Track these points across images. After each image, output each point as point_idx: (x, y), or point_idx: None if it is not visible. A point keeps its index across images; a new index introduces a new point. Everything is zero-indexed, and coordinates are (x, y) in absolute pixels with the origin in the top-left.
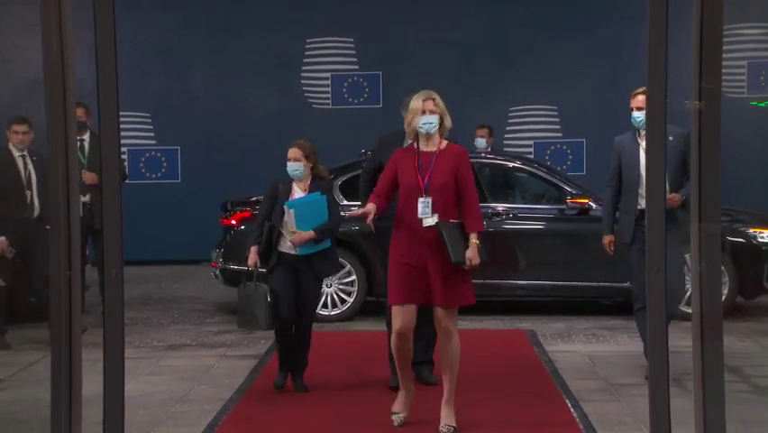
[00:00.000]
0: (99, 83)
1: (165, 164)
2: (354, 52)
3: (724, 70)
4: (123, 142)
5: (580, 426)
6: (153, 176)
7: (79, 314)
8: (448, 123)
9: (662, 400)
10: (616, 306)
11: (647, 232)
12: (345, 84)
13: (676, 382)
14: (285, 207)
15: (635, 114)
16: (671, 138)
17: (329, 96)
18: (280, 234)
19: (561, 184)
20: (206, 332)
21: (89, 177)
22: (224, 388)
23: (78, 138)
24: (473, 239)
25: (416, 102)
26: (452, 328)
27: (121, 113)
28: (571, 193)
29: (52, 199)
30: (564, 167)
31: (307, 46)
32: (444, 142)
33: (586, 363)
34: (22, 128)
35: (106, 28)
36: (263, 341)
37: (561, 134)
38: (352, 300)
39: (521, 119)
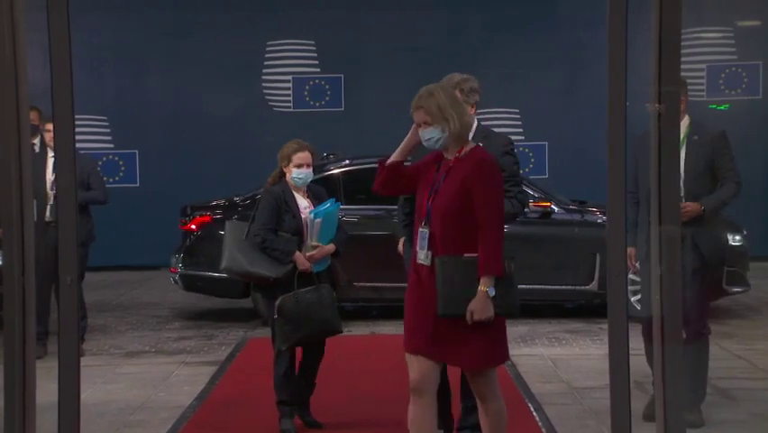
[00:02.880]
0: (53, 86)
1: (123, 168)
2: (315, 55)
3: (683, 74)
4: (79, 145)
5: (543, 429)
6: (111, 180)
7: (33, 320)
8: (453, 126)
9: (622, 403)
10: (578, 309)
11: (607, 237)
12: (306, 87)
13: (637, 385)
14: (310, 216)
15: None
16: (696, 137)
17: (290, 98)
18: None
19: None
20: (165, 338)
21: None
22: (183, 395)
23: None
24: (480, 285)
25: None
26: (483, 392)
27: (77, 116)
28: (533, 196)
29: (5, 203)
30: (526, 170)
31: (268, 48)
32: (469, 146)
33: (548, 366)
34: (51, 125)
35: (60, 29)
36: (224, 347)
37: (523, 137)
38: None
39: (483, 122)
